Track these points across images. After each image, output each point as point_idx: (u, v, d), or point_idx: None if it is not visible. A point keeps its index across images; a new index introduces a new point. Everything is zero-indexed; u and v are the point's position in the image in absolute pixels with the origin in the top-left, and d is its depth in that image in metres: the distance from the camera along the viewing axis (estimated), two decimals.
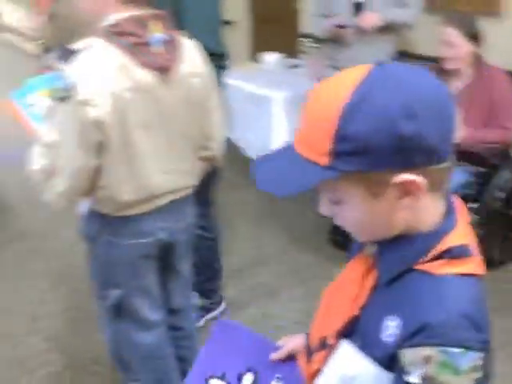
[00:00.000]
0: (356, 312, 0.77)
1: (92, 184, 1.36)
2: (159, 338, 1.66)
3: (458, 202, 0.79)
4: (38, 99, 1.54)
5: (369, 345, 0.74)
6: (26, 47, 7.23)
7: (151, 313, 1.60)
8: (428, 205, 0.72)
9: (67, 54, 1.31)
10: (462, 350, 0.67)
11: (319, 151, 0.69)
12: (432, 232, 0.73)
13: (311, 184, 0.70)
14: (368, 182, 0.70)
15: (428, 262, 0.72)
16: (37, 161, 1.32)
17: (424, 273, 0.72)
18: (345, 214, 0.74)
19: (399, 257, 0.74)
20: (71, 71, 1.27)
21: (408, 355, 0.69)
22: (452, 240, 0.73)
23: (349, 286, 0.80)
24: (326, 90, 0.72)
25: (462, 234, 0.75)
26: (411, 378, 0.69)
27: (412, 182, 0.68)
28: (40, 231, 3.13)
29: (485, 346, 0.69)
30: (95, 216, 1.48)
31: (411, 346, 0.69)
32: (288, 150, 0.73)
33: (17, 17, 8.10)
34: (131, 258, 1.50)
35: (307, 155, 0.70)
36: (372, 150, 0.66)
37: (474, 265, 0.73)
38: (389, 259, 0.75)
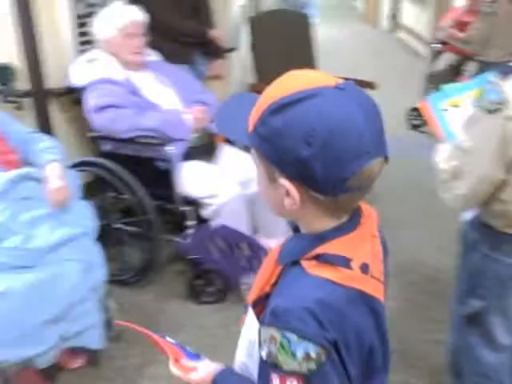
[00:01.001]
0: (267, 289, 0.87)
1: (491, 196, 1.42)
2: (502, 363, 1.63)
3: (370, 221, 0.85)
4: (450, 105, 1.65)
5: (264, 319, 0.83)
6: (418, 48, 7.61)
7: (504, 335, 1.58)
8: (313, 216, 0.82)
9: (507, 70, 1.37)
10: (297, 337, 0.75)
11: (253, 118, 0.79)
12: (316, 236, 0.83)
13: (239, 140, 0.87)
14: (268, 167, 0.80)
15: (308, 259, 0.81)
16: (445, 161, 1.44)
17: (301, 267, 0.81)
18: (257, 181, 0.86)
19: (292, 249, 0.86)
20: (507, 87, 1.33)
21: (262, 332, 0.80)
22: (330, 248, 0.81)
23: (269, 263, 0.89)
24: (296, 77, 0.80)
25: (345, 246, 0.81)
26: (263, 353, 0.79)
27: (287, 189, 0.79)
28: (396, 220, 3.34)
29: (326, 343, 0.76)
30: (479, 226, 1.53)
31: (265, 325, 0.79)
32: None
33: (414, 16, 8.52)
34: (503, 276, 1.50)
35: (252, 114, 0.80)
36: (274, 147, 0.77)
37: (343, 275, 0.79)
38: (286, 249, 0.87)
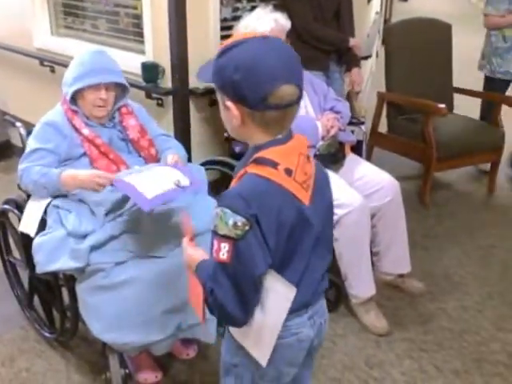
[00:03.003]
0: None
1: None
2: None
3: (298, 143, 1.17)
4: None
5: None
6: None
7: None
8: (252, 131, 1.13)
9: None
10: (230, 211, 1.06)
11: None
12: (256, 147, 1.15)
13: (208, 81, 1.17)
14: (221, 96, 1.15)
15: (249, 163, 1.14)
16: None
17: (245, 170, 1.13)
18: (221, 114, 1.19)
19: (242, 161, 1.21)
20: None
21: (214, 212, 1.10)
22: (264, 154, 1.12)
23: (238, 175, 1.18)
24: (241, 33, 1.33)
25: (276, 153, 1.12)
26: (212, 226, 1.11)
27: (230, 109, 1.12)
28: None
29: (250, 217, 1.06)
30: None
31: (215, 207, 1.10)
32: None
33: None
34: None
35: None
36: (220, 77, 1.11)
37: (270, 172, 1.10)
38: (239, 164, 1.23)
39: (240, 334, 1.23)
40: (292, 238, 1.13)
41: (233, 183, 1.17)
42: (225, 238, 1.08)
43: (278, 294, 1.15)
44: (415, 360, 2.29)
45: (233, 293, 1.10)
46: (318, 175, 1.23)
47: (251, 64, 1.07)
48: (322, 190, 1.24)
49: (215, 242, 1.10)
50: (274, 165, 1.11)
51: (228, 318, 1.15)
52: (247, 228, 1.06)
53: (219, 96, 1.16)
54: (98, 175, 1.88)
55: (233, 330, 1.25)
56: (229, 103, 1.12)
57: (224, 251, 1.08)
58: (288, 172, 1.11)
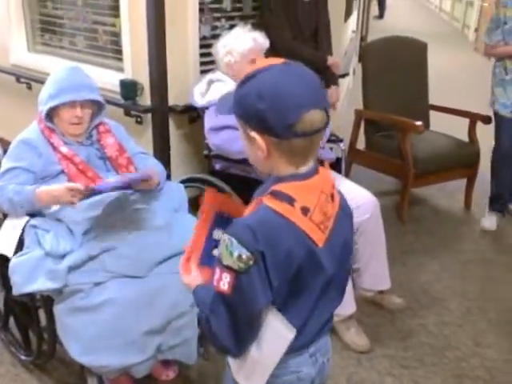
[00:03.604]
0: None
1: None
2: None
3: (322, 180, 1.10)
4: None
5: None
6: None
7: None
8: (276, 161, 1.07)
9: None
10: (236, 242, 1.01)
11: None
12: (277, 177, 1.09)
13: (230, 112, 1.24)
14: (243, 127, 1.08)
15: (267, 194, 1.07)
16: None
17: (261, 199, 1.07)
18: (244, 147, 1.13)
19: (262, 188, 1.14)
20: None
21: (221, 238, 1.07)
22: (282, 187, 1.06)
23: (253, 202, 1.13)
24: (261, 60, 1.14)
25: (295, 189, 1.06)
26: (217, 252, 1.08)
27: (255, 139, 1.05)
28: None
29: (255, 252, 1.01)
30: None
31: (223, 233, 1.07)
32: None
33: None
34: None
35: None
36: (242, 106, 1.06)
37: (285, 209, 1.04)
38: (259, 189, 1.16)
39: (235, 366, 1.19)
40: (299, 279, 1.08)
41: (248, 209, 1.12)
42: (227, 268, 1.03)
43: (276, 333, 1.11)
44: (396, 377, 2.29)
45: (228, 325, 1.07)
46: (341, 214, 1.16)
47: (275, 91, 1.02)
48: (342, 228, 1.17)
49: (217, 271, 1.06)
50: (291, 201, 1.05)
51: (221, 348, 1.13)
52: (251, 263, 1.01)
53: (240, 126, 1.10)
54: (71, 188, 1.84)
55: (230, 360, 1.21)
56: (254, 134, 1.06)
57: (225, 281, 1.04)
58: (304, 211, 1.06)
